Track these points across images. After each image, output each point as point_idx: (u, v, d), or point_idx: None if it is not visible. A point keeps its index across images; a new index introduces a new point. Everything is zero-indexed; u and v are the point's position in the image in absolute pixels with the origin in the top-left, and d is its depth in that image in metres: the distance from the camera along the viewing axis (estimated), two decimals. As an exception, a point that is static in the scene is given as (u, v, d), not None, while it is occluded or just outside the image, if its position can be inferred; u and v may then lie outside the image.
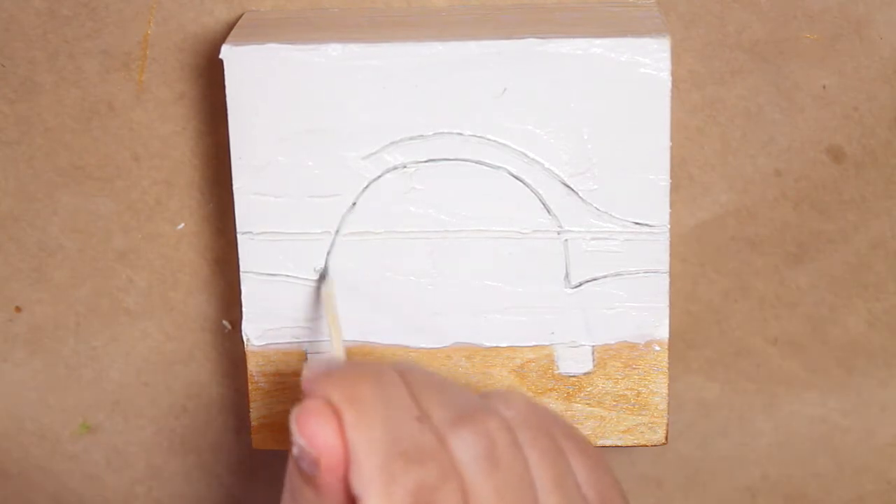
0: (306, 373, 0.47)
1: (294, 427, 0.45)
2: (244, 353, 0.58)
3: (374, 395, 0.45)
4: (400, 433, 0.45)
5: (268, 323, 0.58)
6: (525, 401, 0.48)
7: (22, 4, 0.60)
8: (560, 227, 0.56)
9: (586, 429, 0.58)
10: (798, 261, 0.62)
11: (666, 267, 0.56)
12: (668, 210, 0.56)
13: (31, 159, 0.62)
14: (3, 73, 0.61)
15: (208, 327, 0.64)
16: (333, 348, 0.53)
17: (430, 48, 0.55)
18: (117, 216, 0.62)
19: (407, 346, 0.58)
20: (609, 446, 0.58)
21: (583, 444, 0.49)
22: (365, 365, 0.47)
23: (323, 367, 0.46)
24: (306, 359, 0.58)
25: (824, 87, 0.60)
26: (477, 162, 0.56)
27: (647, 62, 0.54)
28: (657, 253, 0.56)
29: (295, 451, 0.45)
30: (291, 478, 0.46)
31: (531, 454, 0.46)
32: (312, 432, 0.45)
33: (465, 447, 0.45)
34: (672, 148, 0.57)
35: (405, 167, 0.56)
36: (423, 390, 0.46)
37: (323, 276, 0.57)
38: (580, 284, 0.57)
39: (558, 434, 0.48)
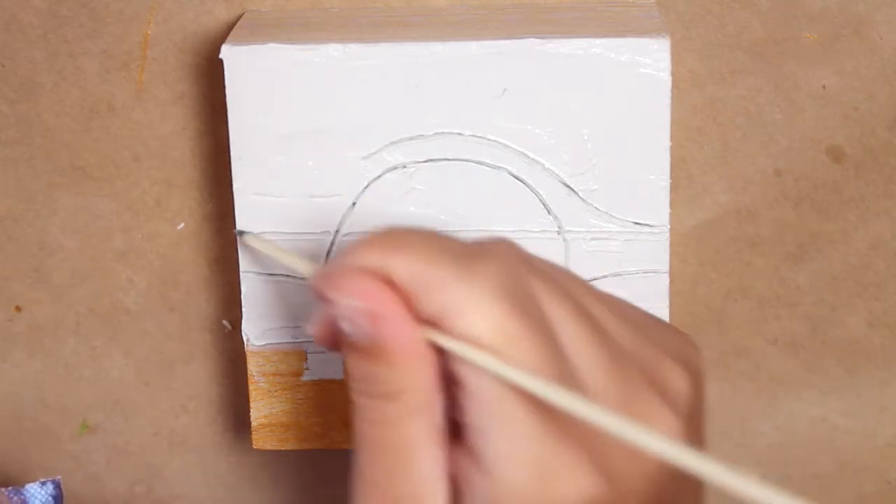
0: (315, 279, 0.43)
1: (336, 296, 0.42)
2: (244, 353, 0.58)
3: (404, 231, 0.43)
4: (447, 245, 0.42)
5: (268, 323, 0.58)
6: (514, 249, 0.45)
7: (22, 4, 0.60)
8: (560, 227, 0.56)
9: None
10: (798, 261, 0.62)
11: (666, 267, 0.56)
12: (668, 210, 0.56)
13: (31, 159, 0.62)
14: (3, 73, 0.61)
15: (208, 327, 0.64)
16: (301, 267, 0.50)
17: (430, 48, 0.55)
18: (117, 216, 0.62)
19: (407, 346, 0.58)
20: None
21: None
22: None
23: (327, 271, 0.43)
24: (306, 358, 0.58)
25: (824, 87, 0.60)
26: (477, 162, 0.56)
27: (647, 62, 0.54)
28: (657, 253, 0.56)
29: (346, 326, 0.42)
30: (360, 378, 0.43)
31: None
32: (357, 287, 0.42)
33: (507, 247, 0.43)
34: (672, 148, 0.57)
35: (405, 167, 0.56)
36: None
37: (241, 234, 0.56)
38: (580, 284, 0.57)
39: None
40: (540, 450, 0.41)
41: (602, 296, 0.46)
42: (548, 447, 0.41)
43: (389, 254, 0.42)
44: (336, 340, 0.44)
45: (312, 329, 0.45)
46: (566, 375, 0.42)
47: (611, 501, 0.42)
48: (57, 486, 0.57)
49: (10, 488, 0.56)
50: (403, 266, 0.42)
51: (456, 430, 0.43)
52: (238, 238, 0.56)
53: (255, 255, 0.57)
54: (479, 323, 0.41)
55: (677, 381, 0.45)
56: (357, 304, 0.42)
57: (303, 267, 0.49)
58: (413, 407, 0.43)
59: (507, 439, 0.41)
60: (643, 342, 0.45)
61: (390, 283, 0.42)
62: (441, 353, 0.43)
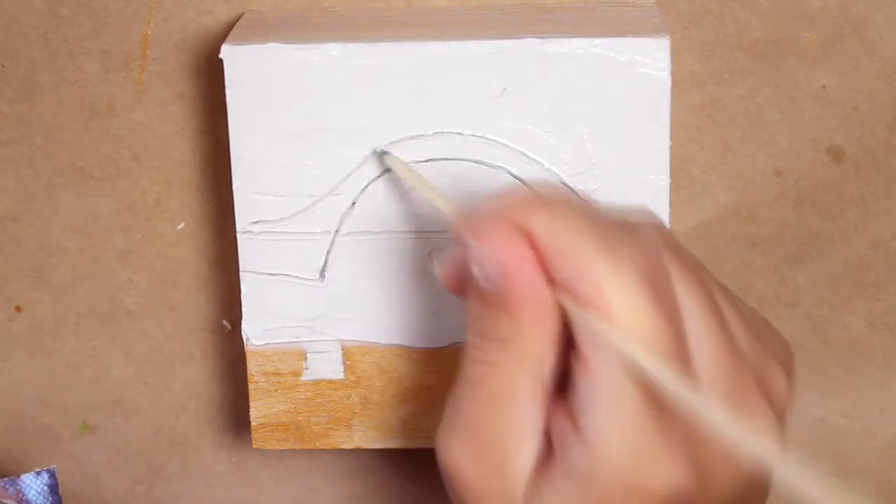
0: (457, 222, 0.44)
1: (474, 242, 0.43)
2: (244, 352, 0.58)
3: (552, 192, 0.44)
4: (594, 216, 0.43)
5: (267, 322, 0.58)
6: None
7: (22, 4, 0.60)
8: (560, 226, 0.56)
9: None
10: (798, 261, 0.62)
11: (666, 267, 0.56)
12: (668, 210, 0.56)
13: (31, 159, 0.62)
14: (3, 73, 0.61)
15: (208, 327, 0.64)
16: (442, 204, 0.50)
17: (430, 48, 0.55)
18: (117, 216, 0.62)
19: (407, 346, 0.58)
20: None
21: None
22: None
23: (469, 215, 0.44)
24: (306, 358, 0.58)
25: (824, 87, 0.60)
26: (477, 162, 0.56)
27: (647, 62, 0.54)
28: (657, 253, 0.56)
29: (476, 270, 0.43)
30: (478, 318, 0.44)
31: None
32: (496, 239, 0.42)
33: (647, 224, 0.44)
34: (672, 148, 0.57)
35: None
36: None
37: (383, 154, 0.55)
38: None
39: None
40: (643, 432, 0.42)
41: (726, 290, 0.46)
42: (651, 432, 0.42)
43: (534, 212, 0.43)
44: (460, 285, 0.45)
45: (439, 268, 0.46)
46: (685, 368, 0.42)
47: (696, 496, 0.43)
48: (52, 475, 0.57)
49: (5, 479, 0.56)
50: (546, 227, 0.42)
51: (559, 389, 0.44)
52: (378, 158, 0.55)
53: (396, 177, 0.56)
54: (616, 301, 0.41)
55: (780, 384, 0.46)
56: (493, 255, 0.42)
57: (444, 205, 0.49)
58: (524, 356, 0.43)
59: (614, 416, 0.42)
60: (755, 342, 0.46)
61: (529, 239, 0.42)
62: (564, 316, 0.43)
